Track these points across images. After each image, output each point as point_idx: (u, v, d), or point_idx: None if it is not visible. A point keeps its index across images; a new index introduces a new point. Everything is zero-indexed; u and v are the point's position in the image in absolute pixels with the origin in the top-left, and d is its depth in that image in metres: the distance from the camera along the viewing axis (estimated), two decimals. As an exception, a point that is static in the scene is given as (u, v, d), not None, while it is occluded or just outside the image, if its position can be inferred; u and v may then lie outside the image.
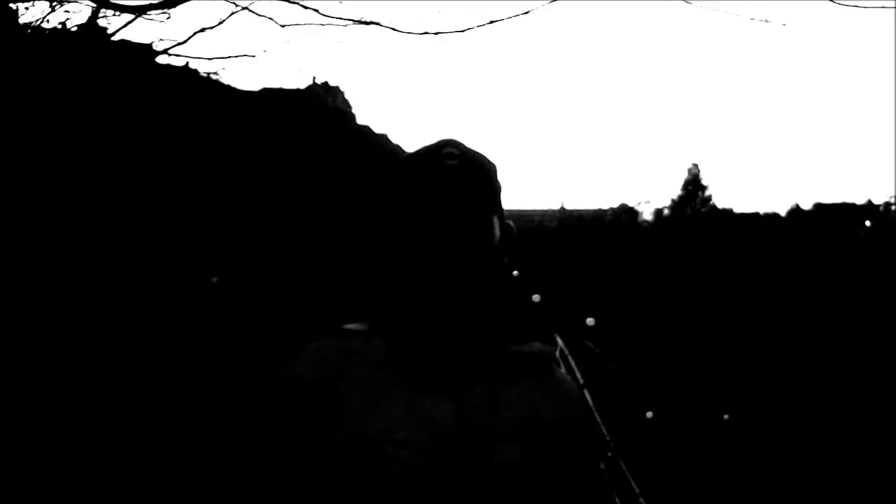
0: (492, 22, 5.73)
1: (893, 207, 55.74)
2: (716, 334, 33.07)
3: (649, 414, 25.23)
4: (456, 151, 1.45)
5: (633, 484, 19.84)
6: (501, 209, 1.50)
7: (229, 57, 6.47)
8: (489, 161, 1.49)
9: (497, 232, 1.46)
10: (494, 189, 1.48)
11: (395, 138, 12.34)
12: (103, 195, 6.24)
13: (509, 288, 1.54)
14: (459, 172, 1.42)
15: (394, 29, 5.80)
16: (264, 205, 8.84)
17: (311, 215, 9.32)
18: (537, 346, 1.51)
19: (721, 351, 31.37)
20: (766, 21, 5.54)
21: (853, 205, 56.00)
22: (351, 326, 1.49)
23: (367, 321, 1.48)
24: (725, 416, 25.54)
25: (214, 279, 7.06)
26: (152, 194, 6.77)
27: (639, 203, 52.76)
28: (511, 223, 1.50)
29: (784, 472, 19.42)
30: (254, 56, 6.41)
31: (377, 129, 12.83)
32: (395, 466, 1.30)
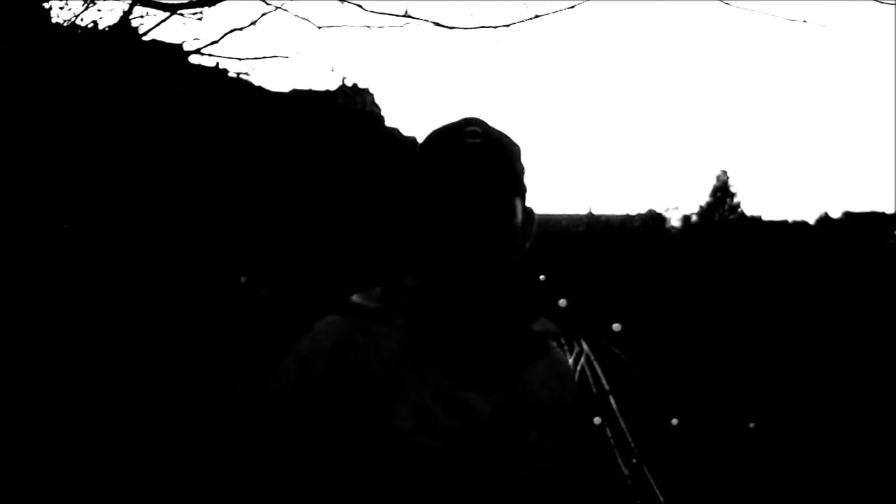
0: (537, 16, 5.75)
1: (925, 217, 55.15)
2: (743, 342, 32.87)
3: (674, 421, 25.11)
4: (479, 130, 1.41)
5: (658, 491, 19.76)
6: (524, 192, 1.47)
7: (262, 58, 6.46)
8: (513, 142, 1.46)
9: (519, 215, 1.43)
10: (517, 171, 1.44)
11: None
12: (135, 198, 6.27)
13: (527, 270, 1.52)
14: (482, 152, 1.39)
15: (436, 23, 5.79)
16: (292, 204, 8.87)
17: (339, 215, 9.36)
18: (544, 322, 1.50)
19: (748, 359, 31.17)
20: (805, 21, 5.51)
21: (883, 214, 55.52)
22: (358, 299, 1.44)
23: (376, 294, 1.44)
24: (751, 425, 25.37)
25: (243, 279, 7.08)
26: (183, 196, 6.80)
27: (667, 209, 52.47)
28: (532, 208, 1.47)
29: (810, 483, 19.23)
30: (287, 57, 6.40)
31: (406, 131, 12.87)
32: (428, 457, 1.28)
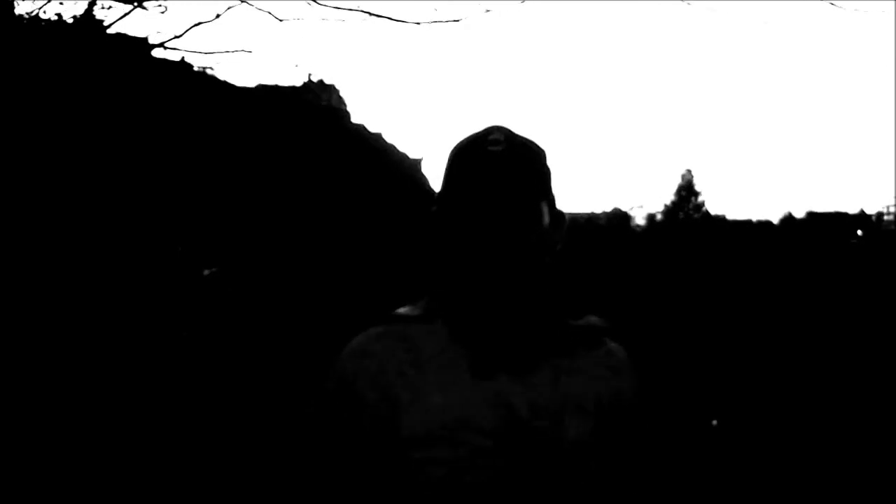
0: (487, 11, 5.82)
1: (886, 217, 55.96)
2: (707, 339, 33.13)
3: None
4: (501, 137, 1.44)
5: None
6: (551, 194, 1.50)
7: (226, 52, 6.46)
8: (537, 146, 1.49)
9: (546, 218, 1.46)
10: (543, 174, 1.47)
11: (389, 136, 12.32)
12: (98, 191, 6.22)
13: (560, 269, 1.57)
14: (505, 159, 1.41)
15: (390, 18, 5.84)
16: (259, 200, 8.84)
17: (305, 210, 9.33)
18: (592, 318, 1.53)
19: (711, 357, 31.44)
20: (766, 22, 5.59)
21: (845, 214, 56.20)
22: (403, 311, 1.50)
23: (418, 305, 1.50)
24: (714, 422, 25.61)
25: (206, 272, 7.05)
26: (148, 189, 6.76)
27: (632, 208, 52.77)
28: (562, 210, 1.51)
29: (773, 482, 19.43)
30: (251, 52, 6.40)
31: (371, 127, 12.87)
32: (470, 451, 1.34)
